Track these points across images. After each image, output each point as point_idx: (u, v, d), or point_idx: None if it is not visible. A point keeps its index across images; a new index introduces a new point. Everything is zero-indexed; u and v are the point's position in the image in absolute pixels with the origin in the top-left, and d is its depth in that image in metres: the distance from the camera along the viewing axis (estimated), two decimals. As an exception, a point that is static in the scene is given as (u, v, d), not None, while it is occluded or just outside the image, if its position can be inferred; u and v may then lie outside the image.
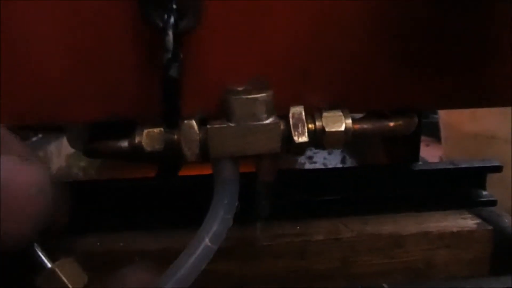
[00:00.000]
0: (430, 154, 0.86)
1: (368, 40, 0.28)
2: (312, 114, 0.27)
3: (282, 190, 0.36)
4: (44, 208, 0.21)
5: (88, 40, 0.26)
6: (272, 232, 0.34)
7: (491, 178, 0.39)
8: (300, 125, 0.26)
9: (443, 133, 0.75)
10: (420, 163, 0.38)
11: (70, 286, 0.22)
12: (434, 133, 0.90)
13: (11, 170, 0.21)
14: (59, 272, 0.22)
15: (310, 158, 0.70)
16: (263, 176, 0.29)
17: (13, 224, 0.20)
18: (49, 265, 0.23)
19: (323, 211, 0.37)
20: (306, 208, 0.37)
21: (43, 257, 0.23)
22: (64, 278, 0.22)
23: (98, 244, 0.34)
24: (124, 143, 0.28)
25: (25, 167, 0.21)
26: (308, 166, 0.65)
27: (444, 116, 0.74)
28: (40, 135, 0.86)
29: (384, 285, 0.32)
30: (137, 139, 0.27)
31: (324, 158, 0.70)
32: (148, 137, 0.27)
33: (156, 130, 0.27)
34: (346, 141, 0.27)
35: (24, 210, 0.21)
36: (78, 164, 0.68)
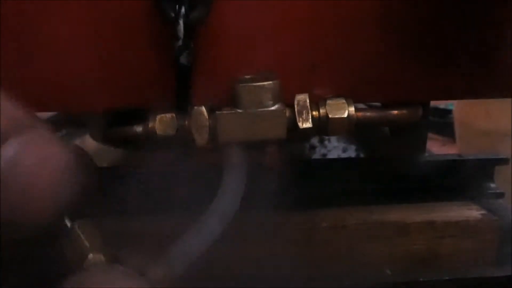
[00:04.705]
0: (445, 153, 0.86)
1: (376, 34, 0.29)
2: (317, 102, 0.29)
3: (289, 179, 0.37)
4: (69, 188, 0.21)
5: (106, 32, 0.28)
6: (278, 219, 0.35)
7: (504, 176, 0.39)
8: (304, 112, 0.28)
9: (457, 131, 0.75)
10: (426, 154, 0.39)
11: (87, 245, 0.23)
12: (450, 133, 0.89)
13: (38, 146, 0.20)
14: (78, 231, 0.23)
15: (324, 155, 0.70)
16: (269, 163, 0.31)
17: (37, 203, 0.20)
18: (68, 224, 0.23)
19: (330, 201, 0.38)
20: (312, 198, 0.38)
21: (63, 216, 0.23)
22: (83, 237, 0.23)
23: (115, 226, 0.35)
24: (139, 128, 0.29)
25: (52, 145, 0.21)
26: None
27: (458, 114, 0.74)
28: (64, 131, 0.89)
29: (388, 271, 0.33)
30: (150, 124, 0.28)
31: (338, 156, 0.70)
32: (161, 123, 0.28)
33: (168, 115, 0.28)
34: (349, 128, 0.28)
35: (49, 189, 0.20)
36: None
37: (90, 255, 0.23)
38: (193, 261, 0.26)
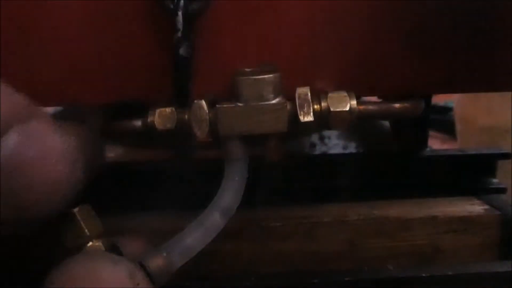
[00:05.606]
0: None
1: (376, 26, 0.29)
2: (318, 95, 0.28)
3: (292, 174, 0.37)
4: (72, 178, 0.20)
5: (106, 25, 0.28)
6: (280, 214, 0.35)
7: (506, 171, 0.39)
8: (306, 105, 0.27)
9: (458, 127, 0.75)
10: (428, 149, 0.39)
11: (87, 232, 0.23)
12: (451, 131, 0.89)
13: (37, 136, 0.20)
14: (78, 217, 0.23)
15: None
16: (270, 157, 0.30)
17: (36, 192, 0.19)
18: (68, 210, 0.23)
19: (332, 196, 0.37)
20: (315, 193, 0.38)
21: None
22: (82, 223, 0.23)
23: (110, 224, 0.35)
24: (138, 122, 0.29)
25: (53, 135, 0.20)
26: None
27: (459, 110, 0.74)
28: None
29: (389, 266, 0.33)
30: (149, 118, 0.28)
31: (338, 153, 0.70)
32: (160, 116, 0.28)
33: (168, 109, 0.28)
34: (351, 121, 0.28)
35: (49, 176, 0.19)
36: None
37: (89, 243, 0.23)
38: (194, 254, 0.25)
